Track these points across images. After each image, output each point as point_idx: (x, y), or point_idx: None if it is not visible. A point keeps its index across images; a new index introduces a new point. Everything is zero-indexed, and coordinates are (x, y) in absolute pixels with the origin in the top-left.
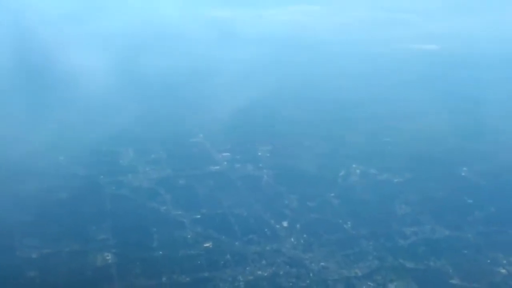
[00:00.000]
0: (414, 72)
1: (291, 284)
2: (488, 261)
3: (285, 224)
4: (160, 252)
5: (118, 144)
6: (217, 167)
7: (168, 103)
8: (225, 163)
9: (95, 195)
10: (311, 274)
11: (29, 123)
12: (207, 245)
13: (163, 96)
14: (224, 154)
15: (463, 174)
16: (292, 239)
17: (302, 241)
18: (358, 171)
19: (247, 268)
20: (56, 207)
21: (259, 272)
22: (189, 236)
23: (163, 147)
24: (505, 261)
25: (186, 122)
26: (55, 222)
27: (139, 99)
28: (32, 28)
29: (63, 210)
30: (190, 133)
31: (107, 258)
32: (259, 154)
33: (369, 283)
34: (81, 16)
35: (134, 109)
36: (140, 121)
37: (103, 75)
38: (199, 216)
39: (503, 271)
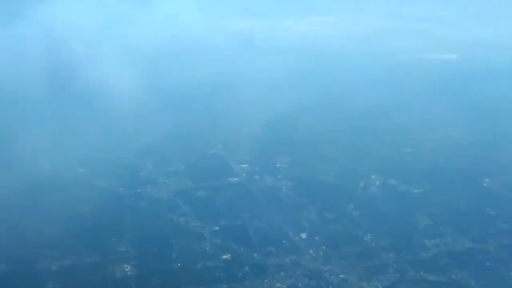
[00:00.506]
0: (434, 82)
1: None
2: (511, 273)
3: (304, 236)
4: (179, 264)
5: (138, 157)
6: (236, 179)
7: (188, 115)
8: (244, 174)
9: (115, 207)
10: (330, 287)
11: (55, 136)
12: (225, 256)
13: (183, 108)
14: (243, 165)
15: (485, 185)
16: (311, 251)
17: (321, 253)
18: (377, 182)
19: (266, 280)
20: (77, 219)
21: (278, 285)
22: (207, 248)
23: (182, 159)
24: None
25: (205, 133)
26: (76, 234)
27: (160, 111)
28: (61, 42)
29: (84, 222)
30: (209, 144)
31: (126, 269)
32: (278, 165)
33: None
34: (110, 29)
35: (154, 121)
36: (160, 133)
37: (127, 88)
38: (218, 228)
39: None
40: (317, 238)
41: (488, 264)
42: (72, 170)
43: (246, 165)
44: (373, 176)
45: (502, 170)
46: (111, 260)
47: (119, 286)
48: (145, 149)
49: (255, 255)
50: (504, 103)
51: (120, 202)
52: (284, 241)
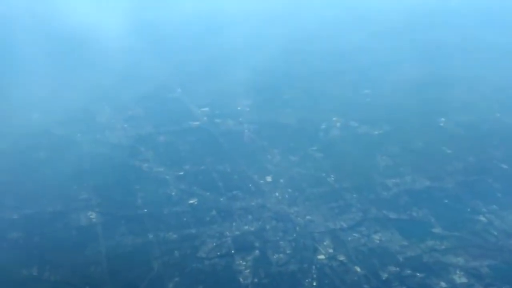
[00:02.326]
0: (390, 21)
1: (278, 238)
2: (469, 209)
3: (269, 179)
4: (145, 210)
5: (93, 101)
6: (197, 123)
7: (147, 56)
8: (205, 118)
9: (73, 154)
10: (297, 228)
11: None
12: (192, 201)
13: (144, 50)
14: (203, 109)
15: (441, 124)
16: (277, 194)
17: (286, 196)
18: (338, 124)
19: (234, 223)
20: (35, 166)
21: (246, 227)
22: (173, 193)
23: (140, 103)
24: (485, 210)
25: (163, 77)
26: (34, 182)
27: (120, 52)
28: None
29: (42, 170)
30: (168, 88)
31: (91, 217)
32: (239, 108)
33: (354, 234)
34: None
35: (112, 63)
36: (117, 76)
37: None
38: (182, 173)
39: (483, 219)
40: (281, 181)
41: (446, 201)
42: (26, 116)
43: (206, 109)
44: (334, 118)
45: (456, 110)
46: (74, 208)
47: (85, 234)
48: (101, 92)
49: (221, 199)
50: (460, 41)
51: (78, 149)
52: (250, 185)
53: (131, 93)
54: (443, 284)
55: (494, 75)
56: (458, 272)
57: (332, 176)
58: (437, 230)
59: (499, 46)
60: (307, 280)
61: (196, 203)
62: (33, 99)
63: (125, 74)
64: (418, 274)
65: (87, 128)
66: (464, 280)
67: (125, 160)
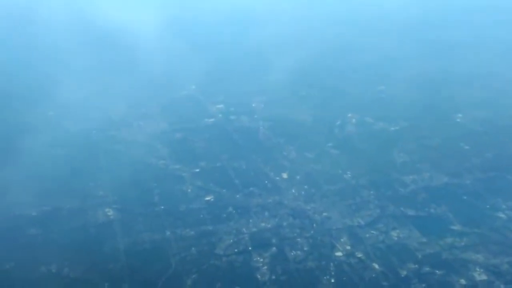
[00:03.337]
0: (400, 18)
1: (295, 234)
2: (488, 206)
3: (285, 175)
4: (162, 207)
5: (108, 98)
6: (212, 120)
7: (156, 55)
8: (220, 115)
9: (89, 150)
10: (314, 225)
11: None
12: (208, 198)
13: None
14: (218, 106)
15: (458, 120)
16: (293, 191)
17: (303, 192)
18: (354, 120)
19: (251, 220)
20: (52, 163)
21: (263, 224)
22: (189, 190)
23: (155, 101)
24: (504, 206)
25: (177, 74)
26: (52, 179)
27: (132, 48)
28: None
29: (59, 167)
30: (182, 85)
31: (109, 214)
32: (254, 105)
33: (372, 231)
34: None
35: (124, 60)
36: (131, 73)
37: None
38: (198, 170)
39: (503, 216)
40: (298, 177)
41: (465, 197)
42: (42, 112)
43: (221, 106)
44: (349, 115)
45: (473, 106)
46: (92, 205)
47: (103, 231)
48: (115, 89)
49: (237, 196)
50: (473, 38)
51: (94, 146)
52: (266, 182)
53: (145, 91)
54: (463, 281)
55: (509, 72)
56: (478, 269)
57: (348, 172)
58: (456, 227)
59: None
60: (325, 277)
61: (212, 199)
62: (46, 96)
63: (138, 72)
64: (437, 271)
65: (102, 125)
66: (484, 277)
67: (141, 157)
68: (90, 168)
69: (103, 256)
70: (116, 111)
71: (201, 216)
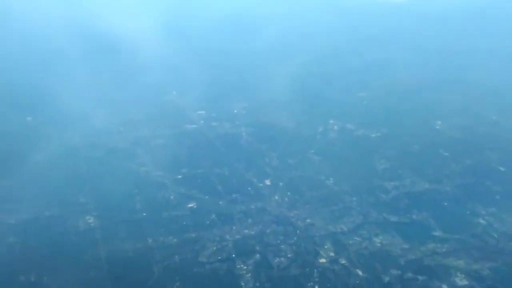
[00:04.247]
0: (383, 25)
1: (279, 241)
2: (468, 212)
3: (267, 182)
4: (144, 214)
5: (88, 104)
6: (194, 126)
7: (140, 60)
8: (202, 121)
9: (69, 157)
10: (298, 231)
11: None
12: (191, 205)
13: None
14: (200, 112)
15: (437, 127)
16: (276, 197)
17: (286, 199)
18: (336, 127)
19: (234, 227)
20: (30, 170)
21: (246, 231)
22: (172, 197)
23: (136, 107)
24: (484, 212)
25: (158, 79)
26: (30, 185)
27: (111, 54)
28: None
29: (38, 173)
30: (163, 91)
31: (89, 221)
32: (235, 111)
33: (355, 238)
34: None
35: (103, 65)
36: (111, 79)
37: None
38: (180, 177)
39: (483, 221)
40: (281, 184)
41: (445, 204)
42: (21, 118)
43: (202, 112)
44: (331, 121)
45: (452, 112)
46: (72, 212)
47: (84, 238)
48: (96, 95)
49: (220, 203)
50: (452, 45)
51: (74, 152)
52: (249, 188)
53: (127, 96)
54: (444, 287)
55: (489, 79)
56: (459, 274)
57: (331, 179)
58: (437, 233)
59: (493, 50)
60: (309, 284)
61: (195, 206)
62: (26, 101)
63: (119, 77)
64: (419, 277)
65: (83, 131)
66: (465, 282)
67: (122, 164)
68: (70, 174)
69: (84, 264)
70: (97, 117)
71: (184, 223)
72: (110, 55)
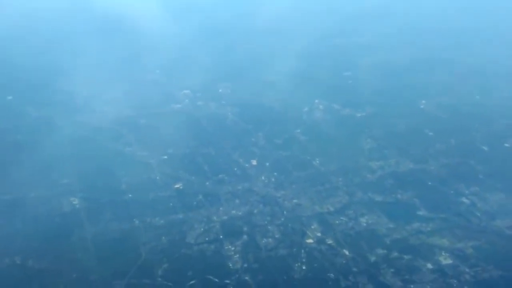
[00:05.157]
0: (369, 6)
1: (266, 222)
2: (452, 192)
3: (254, 162)
4: (130, 195)
5: (70, 83)
6: (179, 106)
7: (123, 39)
8: (187, 100)
9: (52, 136)
10: (285, 212)
11: None
12: (177, 186)
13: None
14: (185, 91)
15: (422, 107)
16: (263, 178)
17: (273, 179)
18: (321, 106)
19: (221, 208)
20: (14, 150)
21: (234, 212)
22: (158, 178)
23: (119, 85)
24: (467, 192)
25: (141, 58)
26: (14, 166)
27: (94, 34)
28: None
29: (21, 153)
30: (146, 69)
31: (74, 203)
32: (220, 91)
33: (341, 218)
34: None
35: (86, 44)
36: (92, 57)
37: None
38: (166, 157)
39: (466, 201)
40: (267, 164)
41: (430, 183)
42: (1, 97)
43: (187, 91)
44: (316, 101)
45: (436, 92)
46: (56, 193)
47: (69, 220)
48: (77, 73)
49: (207, 183)
50: (437, 25)
51: (56, 132)
52: (235, 168)
53: (109, 75)
54: (429, 265)
55: (473, 59)
56: (443, 253)
57: (317, 159)
58: (422, 212)
59: (477, 31)
60: (296, 264)
61: (181, 187)
62: (5, 80)
63: (102, 56)
64: (405, 256)
65: (65, 110)
66: (449, 261)
67: (106, 144)
68: (54, 155)
69: (70, 246)
70: (79, 96)
71: (171, 204)
72: (94, 34)
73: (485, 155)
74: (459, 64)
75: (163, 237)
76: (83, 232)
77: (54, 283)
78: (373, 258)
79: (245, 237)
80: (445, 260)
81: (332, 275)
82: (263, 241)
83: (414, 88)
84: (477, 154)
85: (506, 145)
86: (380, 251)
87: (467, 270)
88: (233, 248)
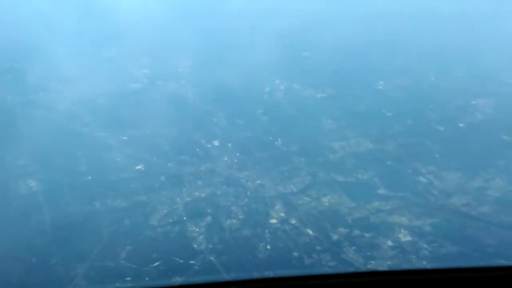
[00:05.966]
0: None
1: (229, 203)
2: (410, 171)
3: (216, 143)
4: (90, 177)
5: (21, 59)
6: (138, 85)
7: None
8: (146, 80)
9: (5, 117)
10: (248, 193)
11: None
12: (139, 167)
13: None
14: (143, 70)
15: (380, 88)
16: (226, 158)
17: (235, 160)
18: (282, 87)
19: (184, 189)
20: None
21: (197, 193)
22: (118, 159)
23: (74, 62)
24: (424, 170)
25: (96, 34)
26: None
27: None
28: None
29: None
30: (102, 46)
31: (31, 185)
32: (180, 70)
33: (304, 198)
34: None
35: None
36: (46, 32)
37: None
38: (126, 138)
39: (423, 179)
40: (229, 145)
41: (388, 163)
42: None
43: (146, 70)
44: (277, 81)
45: (394, 73)
46: (12, 175)
47: (27, 203)
48: (29, 49)
49: (169, 164)
50: (395, 8)
51: (10, 111)
52: (197, 149)
53: (66, 53)
54: (389, 242)
55: (428, 40)
56: (403, 231)
57: (279, 139)
58: (381, 191)
59: (434, 11)
60: (261, 244)
61: (143, 168)
62: None
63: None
64: (366, 234)
65: (18, 88)
66: (408, 238)
67: (63, 124)
68: (7, 135)
69: (28, 230)
70: (32, 74)
71: (133, 186)
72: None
73: (441, 135)
74: (415, 46)
75: (126, 220)
76: (41, 215)
77: (13, 268)
78: (335, 237)
79: (209, 218)
80: (404, 237)
81: (296, 253)
82: (227, 222)
83: (371, 68)
84: (433, 134)
85: (461, 125)
86: (342, 229)
87: (425, 246)
88: (197, 230)
